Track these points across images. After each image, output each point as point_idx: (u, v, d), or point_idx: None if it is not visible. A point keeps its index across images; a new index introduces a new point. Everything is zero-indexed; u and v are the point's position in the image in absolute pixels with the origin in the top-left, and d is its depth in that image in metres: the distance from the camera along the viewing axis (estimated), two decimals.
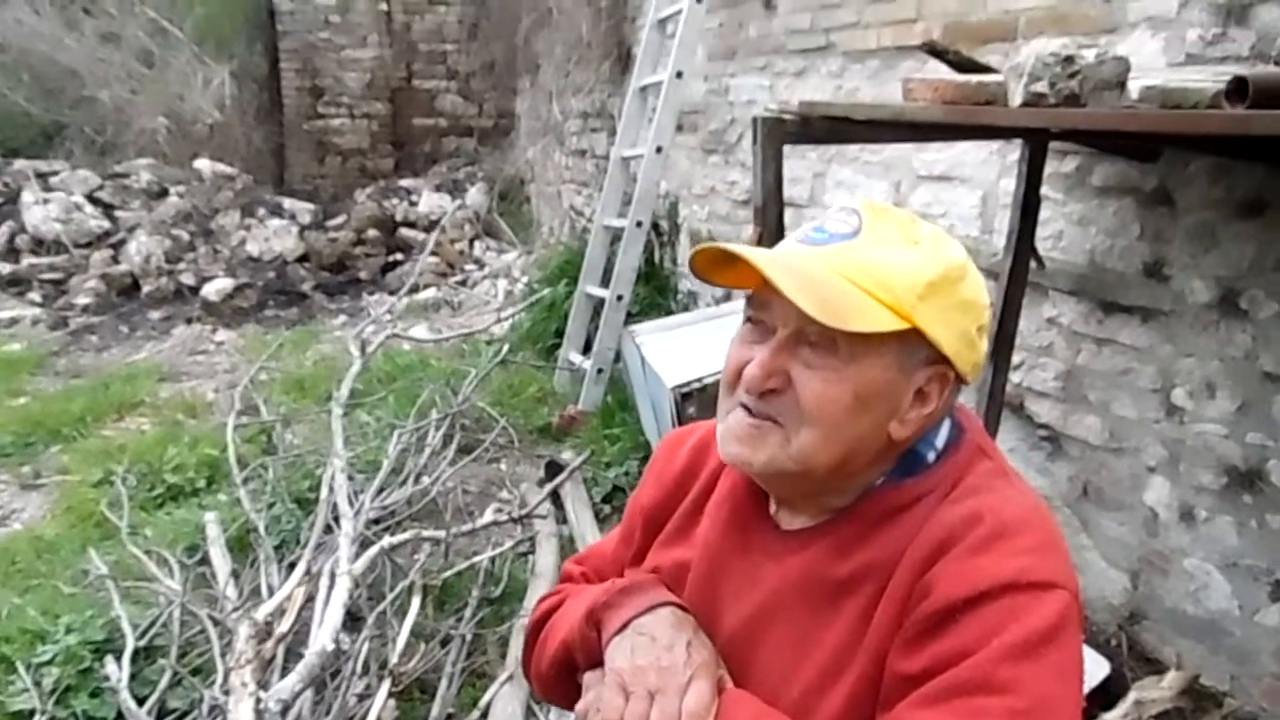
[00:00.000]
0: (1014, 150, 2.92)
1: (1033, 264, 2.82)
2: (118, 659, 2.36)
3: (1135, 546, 2.71)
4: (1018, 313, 2.86)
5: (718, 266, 0.93)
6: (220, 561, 2.90)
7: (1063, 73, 1.67)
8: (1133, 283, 2.66)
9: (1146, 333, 2.64)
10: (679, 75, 4.23)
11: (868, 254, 0.87)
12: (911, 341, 0.87)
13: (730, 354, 0.94)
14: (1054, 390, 2.93)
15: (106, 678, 2.32)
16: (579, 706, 0.96)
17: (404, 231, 8.24)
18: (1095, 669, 2.42)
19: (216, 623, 2.48)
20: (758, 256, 0.85)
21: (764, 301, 0.90)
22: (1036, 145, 2.68)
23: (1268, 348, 2.32)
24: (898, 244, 0.88)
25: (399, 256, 8.00)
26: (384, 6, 9.32)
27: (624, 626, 0.93)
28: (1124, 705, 2.21)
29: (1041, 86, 1.68)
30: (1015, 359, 2.91)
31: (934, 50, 2.56)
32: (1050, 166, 2.77)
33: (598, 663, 0.96)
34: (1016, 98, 1.73)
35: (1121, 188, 2.69)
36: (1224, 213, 2.40)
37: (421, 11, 9.39)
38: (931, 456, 0.93)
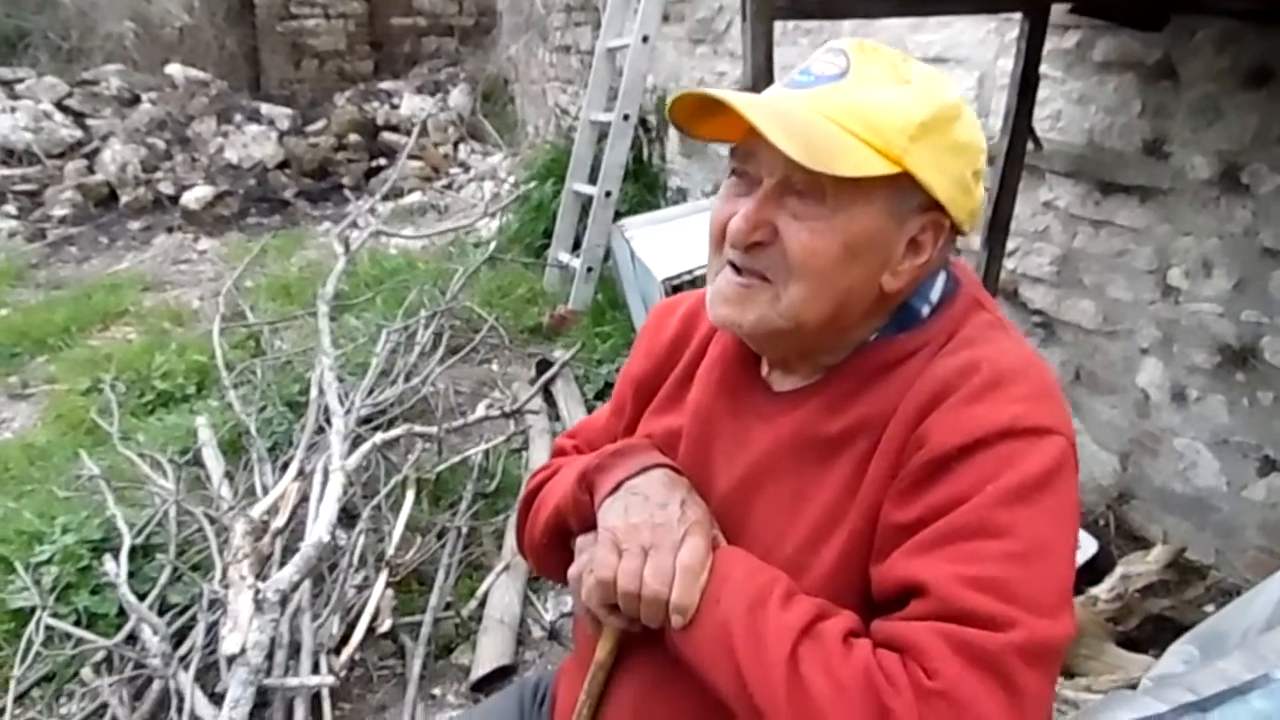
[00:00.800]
0: (1013, 28, 2.81)
1: (1030, 146, 2.75)
2: (116, 556, 2.38)
3: (1126, 429, 2.72)
4: (1014, 196, 2.80)
5: (699, 116, 0.88)
6: (213, 463, 2.90)
7: None
8: (1132, 161, 2.61)
9: (1144, 213, 2.59)
10: None
11: (855, 95, 0.82)
12: (904, 187, 0.83)
13: (715, 210, 0.90)
14: (1049, 275, 2.90)
15: (106, 574, 2.33)
16: (572, 570, 0.95)
17: (386, 135, 8.04)
18: (1083, 547, 2.46)
19: (213, 520, 2.49)
20: (740, 100, 0.80)
21: (748, 152, 0.86)
22: (1037, 19, 2.57)
23: (1268, 223, 2.28)
24: (887, 84, 0.84)
25: (382, 161, 7.82)
26: None
27: (617, 487, 0.91)
28: (1111, 579, 2.25)
29: None
30: (1010, 244, 2.87)
31: None
32: (1050, 43, 2.68)
33: (591, 526, 0.94)
34: None
35: (1124, 62, 2.60)
36: (1228, 84, 2.33)
37: None
38: (926, 310, 0.90)
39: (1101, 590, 2.23)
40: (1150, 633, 2.24)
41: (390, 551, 2.34)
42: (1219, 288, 2.42)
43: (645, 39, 4.12)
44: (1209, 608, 2.28)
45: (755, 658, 0.77)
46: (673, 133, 5.08)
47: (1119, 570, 2.28)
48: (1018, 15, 2.64)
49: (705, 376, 0.99)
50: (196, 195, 6.74)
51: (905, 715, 0.69)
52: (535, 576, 2.62)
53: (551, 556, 1.05)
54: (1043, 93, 2.71)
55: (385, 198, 7.01)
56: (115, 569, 2.27)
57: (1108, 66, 2.66)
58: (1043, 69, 2.66)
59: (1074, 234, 2.81)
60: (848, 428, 0.85)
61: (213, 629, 2.15)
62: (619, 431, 1.07)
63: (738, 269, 0.87)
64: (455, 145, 7.85)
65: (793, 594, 0.81)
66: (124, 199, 7.11)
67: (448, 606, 2.38)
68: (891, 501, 0.80)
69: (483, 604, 2.40)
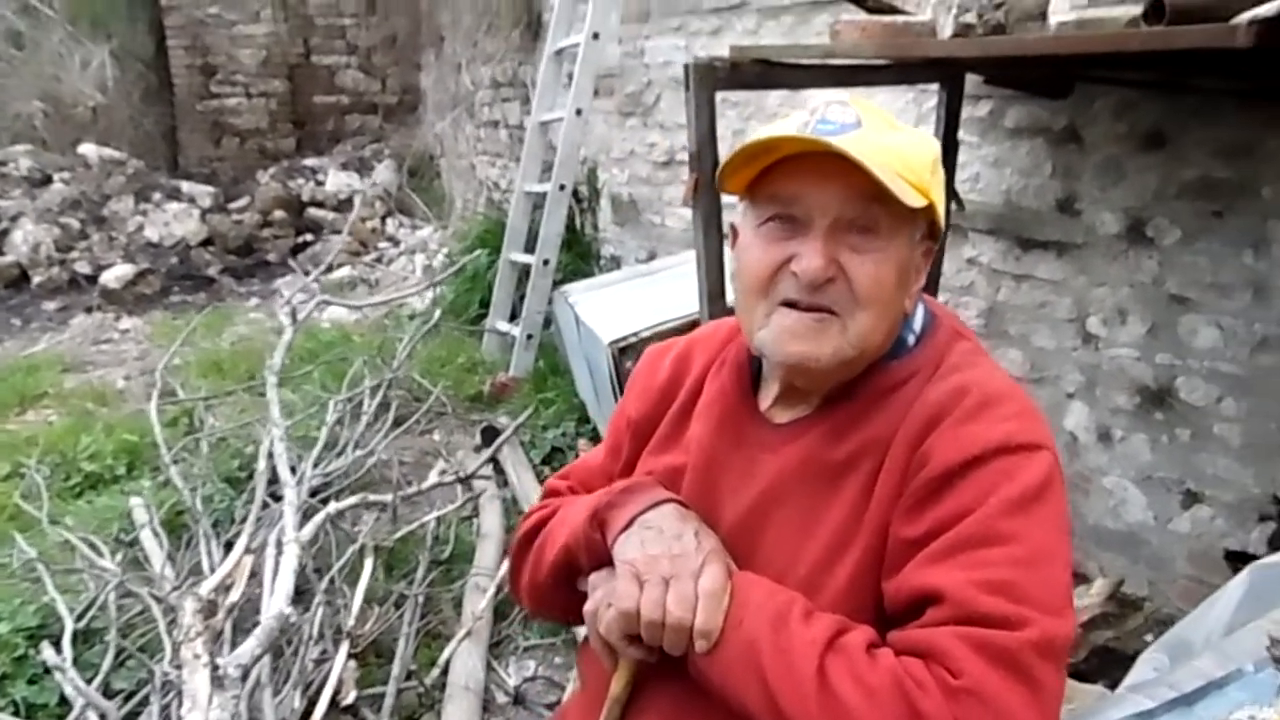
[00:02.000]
0: (930, 98, 3.02)
1: (953, 206, 2.93)
2: (55, 644, 2.27)
3: (1067, 499, 2.85)
4: (941, 254, 2.97)
5: (735, 169, 0.94)
6: (152, 544, 2.80)
7: (989, 4, 1.74)
8: (1047, 219, 2.80)
9: (1062, 266, 2.78)
10: (595, 36, 4.22)
11: (880, 139, 0.91)
12: (919, 217, 0.93)
13: (754, 257, 0.95)
14: (977, 327, 3.05)
15: (44, 663, 2.22)
16: (588, 606, 0.98)
17: (312, 211, 8.00)
18: None
19: (159, 600, 2.40)
20: (832, 143, 0.87)
21: (794, 195, 0.92)
22: (953, 89, 2.77)
23: (1173, 272, 2.47)
24: (889, 130, 0.93)
25: (309, 237, 7.78)
26: None
27: (630, 523, 0.95)
28: None
29: (970, 18, 1.75)
30: (940, 299, 3.02)
31: (870, 8, 2.62)
32: (965, 111, 2.88)
33: (602, 564, 0.98)
34: (947, 30, 1.79)
35: (1033, 128, 2.81)
36: (1128, 147, 2.54)
37: None
38: (911, 339, 0.98)
39: None
40: (1096, 665, 2.33)
41: (351, 622, 2.29)
42: (1134, 333, 2.59)
43: (579, 112, 4.26)
44: (1148, 637, 2.38)
45: (785, 673, 0.81)
46: (604, 202, 5.21)
47: None
48: (934, 86, 2.85)
49: (705, 414, 1.04)
50: (116, 274, 6.58)
51: (937, 715, 0.74)
52: (496, 642, 2.60)
53: (555, 596, 1.08)
54: (961, 157, 2.90)
55: (314, 270, 6.96)
56: (56, 657, 2.16)
57: (1019, 132, 2.87)
58: (960, 135, 2.85)
59: (998, 288, 2.98)
60: (852, 452, 0.92)
61: (165, 711, 2.06)
62: (616, 472, 1.11)
63: (799, 307, 0.92)
64: (383, 220, 7.87)
65: (812, 611, 0.85)
66: (36, 279, 6.89)
67: (409, 676, 2.34)
68: (900, 518, 0.86)
69: (445, 672, 2.36)
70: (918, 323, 0.99)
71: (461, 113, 7.11)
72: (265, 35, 9.06)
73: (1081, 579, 2.73)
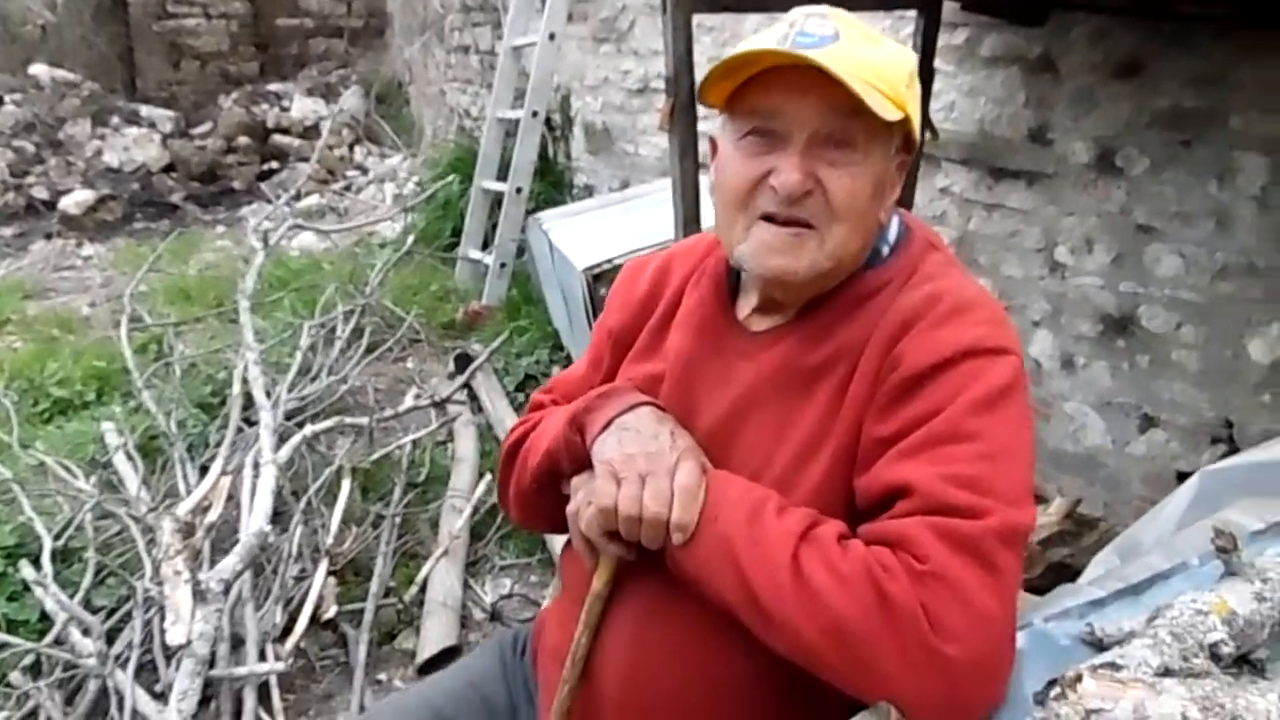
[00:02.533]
0: (907, 25, 3.00)
1: (927, 135, 2.94)
2: (34, 562, 2.29)
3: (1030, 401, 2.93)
4: (914, 183, 2.98)
5: (715, 82, 0.94)
6: (127, 467, 2.81)
7: None
8: (1019, 148, 2.82)
9: (1032, 195, 2.81)
10: None
11: (858, 51, 0.91)
12: (893, 130, 0.93)
13: (733, 170, 0.96)
14: None
15: (23, 581, 2.24)
16: (569, 508, 1.01)
17: (277, 138, 7.83)
18: None
19: (136, 520, 2.42)
20: (808, 55, 0.87)
21: (773, 108, 0.92)
22: (931, 15, 2.76)
23: (1140, 201, 2.52)
24: (866, 42, 0.93)
25: (274, 164, 7.62)
26: None
27: (607, 425, 0.98)
28: None
29: None
30: None
31: None
32: (942, 39, 2.87)
33: (583, 467, 1.01)
34: None
35: (1009, 57, 2.82)
36: (1102, 75, 2.56)
37: None
38: (885, 250, 1.00)
39: None
40: (1052, 580, 2.42)
41: (329, 541, 2.33)
42: (1100, 262, 2.64)
43: (552, 36, 4.18)
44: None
45: (759, 563, 0.85)
46: (578, 131, 5.15)
47: None
48: (912, 14, 2.83)
49: (684, 323, 1.06)
50: (76, 199, 6.43)
51: (903, 597, 0.78)
52: (473, 561, 2.65)
53: (540, 502, 1.11)
54: (936, 85, 2.91)
55: (281, 198, 6.84)
56: (35, 573, 2.18)
57: (995, 61, 2.87)
58: (936, 63, 2.85)
59: (969, 217, 3.02)
60: (827, 358, 0.95)
61: (148, 626, 2.10)
62: (597, 382, 1.14)
63: (776, 220, 0.93)
64: (350, 148, 7.72)
65: (785, 507, 0.89)
66: None
67: (388, 594, 2.39)
68: (872, 418, 0.90)
69: (423, 590, 2.42)
70: (892, 234, 1.02)
71: (431, 37, 6.94)
72: None
73: (1040, 500, 2.83)
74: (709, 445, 0.99)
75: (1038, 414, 2.90)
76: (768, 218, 0.94)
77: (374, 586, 2.35)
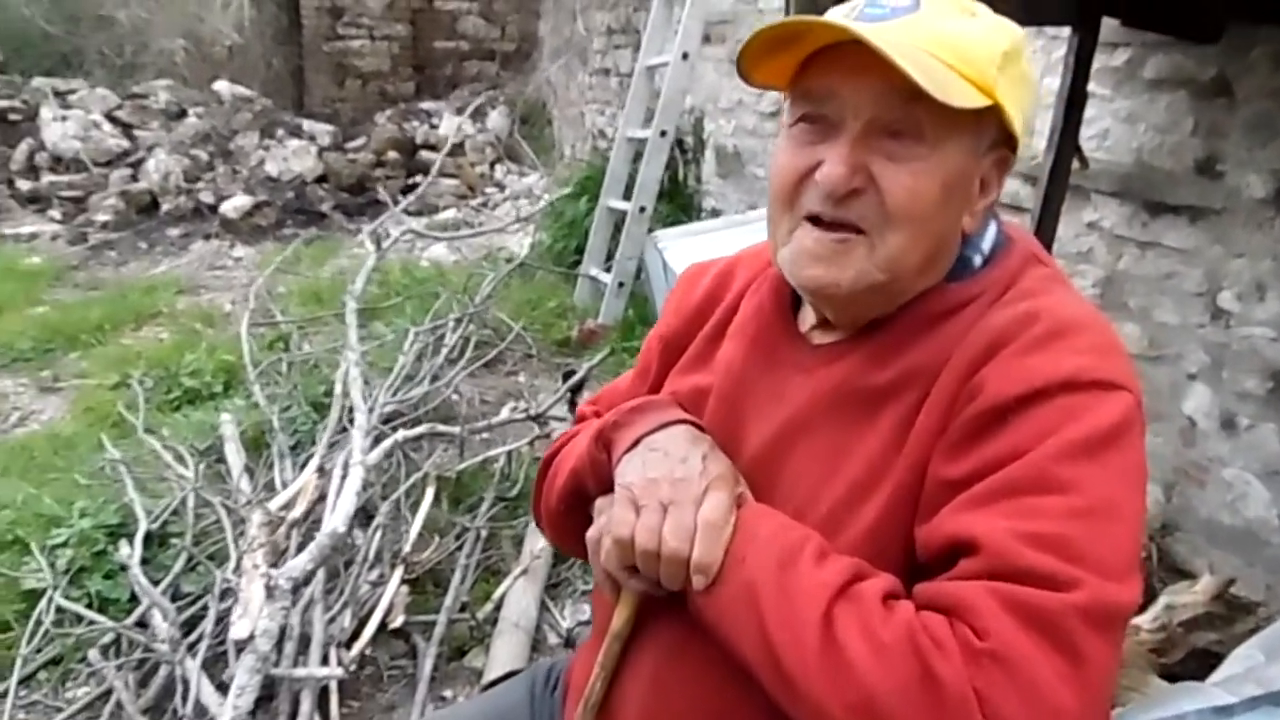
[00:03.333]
0: (1059, 47, 2.76)
1: (1076, 164, 2.69)
2: (131, 542, 2.35)
3: (1170, 457, 2.62)
4: (1057, 216, 2.73)
5: (764, 60, 0.81)
6: (234, 457, 2.88)
7: None
8: (1182, 181, 2.53)
9: (1195, 234, 2.51)
10: None
11: (938, 25, 0.77)
12: (984, 122, 0.79)
13: (780, 162, 0.83)
14: (1092, 298, 2.81)
15: (120, 559, 2.30)
16: (590, 533, 0.89)
17: (425, 154, 8.11)
18: None
19: (230, 511, 2.46)
20: (851, 28, 0.74)
21: (825, 92, 0.79)
22: (1087, 33, 2.52)
23: None
24: (957, 15, 0.79)
25: (419, 179, 7.88)
26: None
27: (635, 444, 0.86)
28: (1154, 609, 2.14)
29: None
30: None
31: None
32: (1099, 61, 2.62)
33: (610, 488, 0.89)
34: None
35: (1176, 79, 2.54)
36: None
37: None
38: (978, 260, 0.85)
39: (1144, 620, 2.13)
40: (1194, 668, 2.12)
41: (407, 548, 2.29)
42: (1273, 311, 2.32)
43: (685, 56, 4.12)
44: None
45: (784, 619, 0.71)
46: (709, 154, 5.06)
47: (1163, 600, 2.17)
48: (1065, 33, 2.59)
49: (739, 332, 0.93)
50: (235, 204, 6.83)
51: (953, 680, 0.63)
52: (554, 584, 2.56)
53: (569, 524, 1.00)
54: (1090, 111, 2.65)
55: (421, 213, 7.07)
56: (129, 553, 2.23)
57: (1159, 84, 2.60)
58: (1090, 87, 2.60)
59: (1119, 255, 2.74)
60: (894, 379, 0.80)
61: (223, 618, 2.10)
62: (643, 393, 1.02)
63: (822, 223, 0.80)
64: (492, 165, 7.91)
65: (826, 553, 0.75)
66: (165, 207, 7.22)
67: (463, 608, 2.32)
68: (941, 456, 0.74)
69: (498, 608, 2.34)
70: (987, 243, 0.85)
71: (574, 60, 7.05)
72: None
73: (1186, 575, 2.51)
74: (753, 473, 0.86)
75: (1191, 479, 2.58)
76: (814, 219, 0.81)
77: (448, 599, 2.29)
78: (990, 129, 0.80)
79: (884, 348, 0.82)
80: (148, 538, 2.42)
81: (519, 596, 2.37)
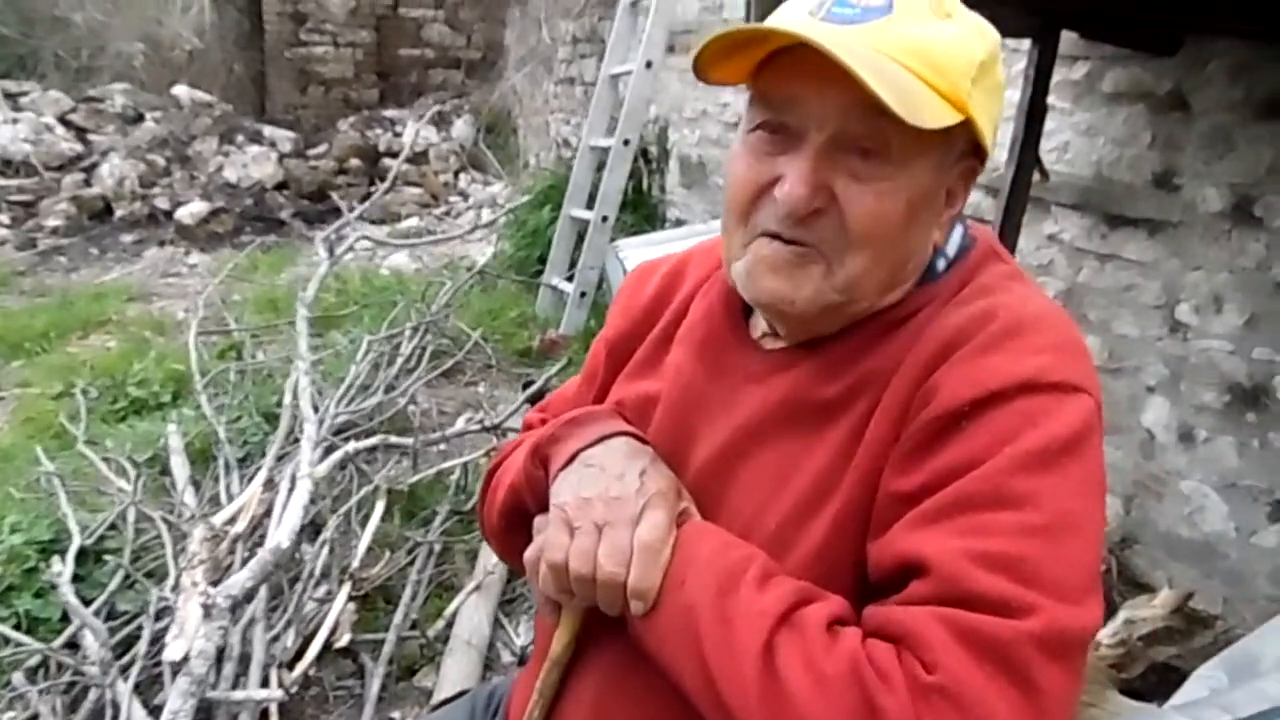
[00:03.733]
0: (1019, 60, 2.76)
1: (1036, 177, 2.68)
2: (64, 558, 2.25)
3: (1130, 470, 2.62)
4: (1018, 229, 2.72)
5: (721, 61, 0.76)
6: (179, 469, 2.78)
7: None
8: (1141, 194, 2.54)
9: (1153, 246, 2.52)
10: None
11: (910, 31, 0.72)
12: (953, 136, 0.73)
13: (737, 172, 0.78)
14: None
15: (52, 578, 2.20)
16: (527, 554, 0.84)
17: (388, 162, 8.00)
18: None
19: (171, 526, 2.36)
20: (810, 35, 0.68)
21: (787, 99, 0.73)
22: (1046, 46, 2.52)
23: None
24: (931, 17, 0.73)
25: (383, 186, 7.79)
26: None
27: (571, 459, 0.81)
28: (1114, 624, 2.13)
29: None
30: None
31: None
32: (1058, 74, 2.62)
33: (548, 505, 0.84)
34: None
35: (1134, 93, 2.55)
36: (1242, 115, 2.27)
37: None
38: (941, 264, 0.80)
39: (1104, 635, 2.11)
40: (1154, 682, 2.11)
41: (355, 564, 2.21)
42: (1230, 324, 2.33)
43: (649, 64, 4.09)
44: None
45: (724, 648, 0.66)
46: (673, 164, 5.04)
47: (1122, 615, 2.16)
48: (1025, 45, 2.59)
49: (687, 337, 0.88)
50: (191, 210, 6.68)
51: (898, 715, 0.58)
52: (509, 599, 2.50)
53: (511, 542, 0.94)
54: (1049, 125, 2.65)
55: (383, 222, 6.98)
56: (60, 570, 2.14)
57: (1117, 98, 2.61)
58: (1050, 100, 2.60)
59: (1079, 268, 2.74)
60: (846, 388, 0.75)
61: (159, 638, 2.01)
62: (590, 400, 0.97)
63: (780, 239, 0.75)
64: (456, 174, 7.83)
65: (771, 574, 0.70)
66: (119, 212, 7.05)
67: (413, 626, 2.25)
68: (893, 467, 0.70)
69: (450, 625, 2.27)
70: (952, 247, 0.81)
71: (539, 69, 7.01)
72: None
73: (1146, 588, 2.50)
74: (700, 487, 0.81)
75: (1150, 492, 2.57)
76: (770, 235, 0.75)
77: (397, 617, 2.22)
78: (959, 141, 0.75)
79: (838, 355, 0.78)
80: (84, 554, 2.32)
81: (471, 613, 2.30)
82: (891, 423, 0.71)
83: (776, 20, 0.75)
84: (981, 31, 0.76)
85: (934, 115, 0.70)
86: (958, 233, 0.82)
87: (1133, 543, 2.61)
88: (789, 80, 0.73)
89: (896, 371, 0.73)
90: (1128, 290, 2.58)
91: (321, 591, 2.24)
